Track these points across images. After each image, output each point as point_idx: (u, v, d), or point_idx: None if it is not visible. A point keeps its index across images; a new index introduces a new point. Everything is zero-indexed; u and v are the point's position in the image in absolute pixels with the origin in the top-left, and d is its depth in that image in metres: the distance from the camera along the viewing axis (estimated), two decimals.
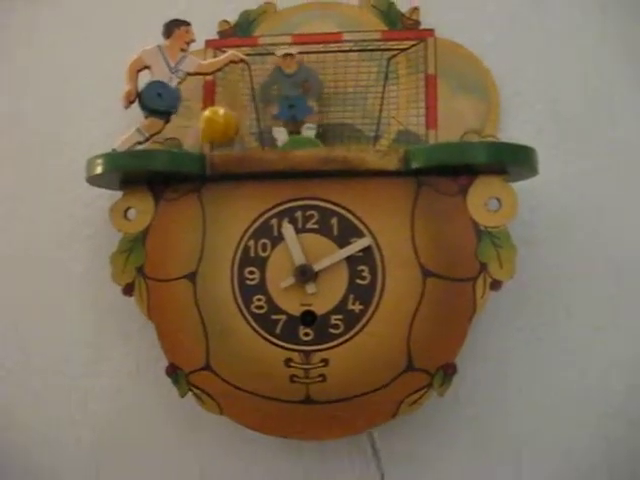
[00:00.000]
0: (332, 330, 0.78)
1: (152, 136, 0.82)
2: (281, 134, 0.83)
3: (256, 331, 0.79)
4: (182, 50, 0.82)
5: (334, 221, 0.79)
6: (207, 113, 0.81)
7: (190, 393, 0.80)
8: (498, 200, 0.77)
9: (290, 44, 0.86)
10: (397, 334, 0.77)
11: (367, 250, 0.78)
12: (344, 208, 0.79)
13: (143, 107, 0.82)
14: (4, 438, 0.92)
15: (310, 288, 0.78)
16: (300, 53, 0.85)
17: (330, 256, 0.78)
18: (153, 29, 0.83)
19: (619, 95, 0.88)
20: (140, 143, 0.82)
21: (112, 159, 0.79)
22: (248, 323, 0.79)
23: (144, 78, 0.82)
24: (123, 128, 0.83)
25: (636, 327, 0.86)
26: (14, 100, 0.97)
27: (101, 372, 0.92)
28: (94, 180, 0.81)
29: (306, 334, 0.78)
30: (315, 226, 0.79)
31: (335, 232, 0.78)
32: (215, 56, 0.87)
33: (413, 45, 0.86)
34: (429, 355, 0.77)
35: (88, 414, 0.91)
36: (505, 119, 0.87)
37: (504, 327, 0.86)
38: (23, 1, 0.98)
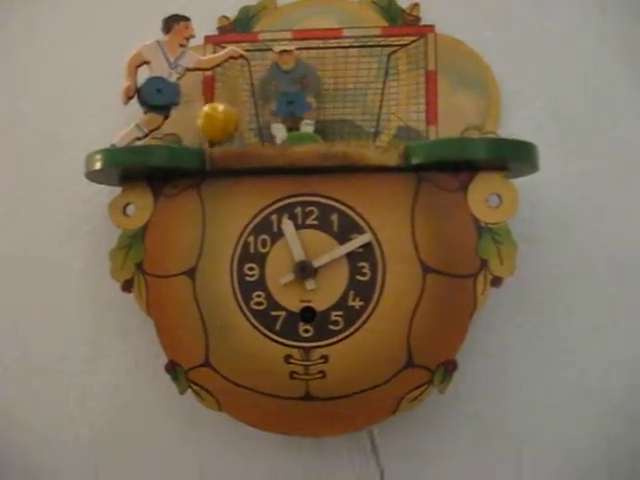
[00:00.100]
0: (332, 326, 0.78)
1: (151, 132, 0.82)
2: (279, 131, 0.83)
3: (256, 327, 0.78)
4: (181, 45, 0.82)
5: (334, 217, 0.78)
6: (206, 109, 0.81)
7: (189, 390, 0.80)
8: (499, 196, 0.77)
9: (290, 40, 0.86)
10: (397, 330, 0.77)
11: (367, 246, 0.78)
12: (344, 204, 0.78)
13: (142, 103, 0.82)
14: (2, 435, 0.92)
15: (310, 284, 0.78)
16: (300, 49, 0.84)
17: (330, 252, 0.78)
18: (153, 25, 0.83)
19: (619, 95, 0.88)
20: (139, 139, 0.82)
21: (111, 155, 0.78)
22: (248, 319, 0.79)
23: (143, 74, 0.82)
24: (122, 124, 0.83)
25: (636, 327, 0.86)
26: (14, 100, 0.97)
27: (100, 369, 0.91)
28: (93, 176, 0.81)
29: (306, 330, 0.78)
30: (315, 222, 0.79)
31: (335, 228, 0.78)
32: (214, 52, 0.86)
33: (413, 41, 0.86)
34: (429, 351, 0.77)
35: (87, 411, 0.91)
36: (505, 116, 0.87)
37: (504, 324, 0.86)
38: (23, 1, 0.98)
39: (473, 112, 0.85)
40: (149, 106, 0.81)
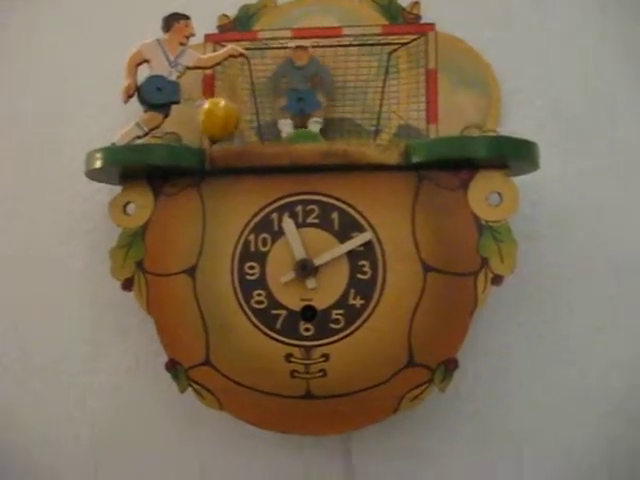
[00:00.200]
0: (333, 325, 0.78)
1: (151, 130, 0.82)
2: (287, 126, 0.83)
3: (256, 326, 0.78)
4: (181, 44, 0.82)
5: (335, 215, 0.78)
6: (207, 105, 0.81)
7: (190, 388, 0.80)
8: (499, 194, 0.77)
9: (290, 38, 0.86)
10: (398, 329, 0.77)
11: (368, 245, 0.78)
12: (345, 202, 0.78)
13: (142, 101, 0.82)
14: (2, 435, 0.92)
15: (310, 283, 0.78)
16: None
17: (331, 251, 0.78)
18: (153, 24, 0.83)
19: (619, 95, 0.89)
20: (139, 137, 0.82)
21: (111, 153, 0.78)
22: (248, 318, 0.79)
23: (144, 73, 0.82)
24: (122, 123, 0.83)
25: (636, 327, 0.86)
26: (14, 100, 0.97)
27: (100, 369, 0.91)
28: (93, 174, 0.81)
29: (306, 329, 0.78)
30: (316, 220, 0.78)
31: (336, 226, 0.78)
32: (214, 50, 0.86)
33: (414, 39, 0.86)
34: (430, 350, 0.77)
35: (87, 411, 0.91)
36: (506, 114, 0.87)
37: (505, 322, 0.86)
38: (23, 1, 0.98)
39: (473, 111, 0.85)
40: (149, 105, 0.81)
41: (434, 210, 0.77)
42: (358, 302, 0.77)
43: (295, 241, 0.78)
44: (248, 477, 0.88)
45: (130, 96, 0.81)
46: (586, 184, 0.87)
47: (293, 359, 0.78)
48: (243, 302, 0.79)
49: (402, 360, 0.77)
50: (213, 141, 0.82)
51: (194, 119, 0.82)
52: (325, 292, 0.78)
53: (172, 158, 0.78)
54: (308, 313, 0.78)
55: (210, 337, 0.79)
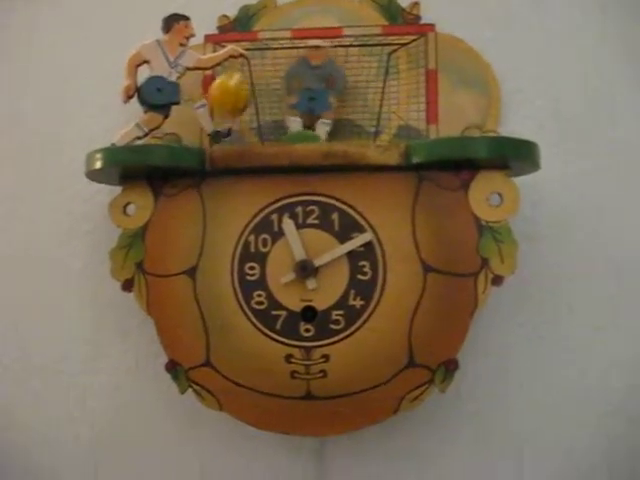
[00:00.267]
0: (333, 326, 0.78)
1: (151, 131, 0.82)
2: (295, 123, 0.82)
3: (256, 327, 0.78)
4: (181, 45, 0.82)
5: (335, 216, 0.78)
6: (220, 78, 0.81)
7: (190, 389, 0.80)
8: (500, 195, 0.77)
9: (290, 39, 0.86)
10: (398, 330, 0.77)
11: (368, 245, 0.78)
12: (345, 203, 0.78)
13: (142, 102, 0.81)
14: (2, 435, 0.92)
15: (311, 284, 0.78)
16: (298, 48, 0.84)
17: (331, 251, 0.78)
18: (152, 25, 0.83)
19: (619, 95, 0.88)
20: (139, 138, 0.82)
21: (111, 154, 0.78)
22: (248, 319, 0.79)
23: (144, 74, 0.82)
24: (122, 123, 0.83)
25: (636, 327, 0.86)
26: (14, 100, 0.97)
27: (100, 369, 0.91)
28: (93, 175, 0.81)
29: (307, 330, 0.78)
30: (316, 221, 0.78)
31: (336, 227, 0.78)
32: (214, 51, 0.86)
33: (414, 40, 0.85)
34: (430, 351, 0.77)
35: (87, 411, 0.91)
36: (506, 114, 0.87)
37: (505, 323, 0.86)
38: (23, 1, 0.98)
39: (474, 111, 0.85)
40: (149, 105, 0.81)
41: (434, 211, 0.77)
42: (358, 303, 0.77)
43: (295, 242, 0.78)
44: (248, 478, 0.88)
45: (130, 97, 0.81)
46: (586, 184, 0.87)
47: (293, 360, 0.78)
48: (243, 303, 0.79)
49: (402, 361, 0.77)
50: (227, 117, 0.81)
51: (194, 120, 0.83)
52: (325, 293, 0.78)
53: (172, 159, 0.78)
54: (308, 314, 0.78)
55: (210, 338, 0.79)
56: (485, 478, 0.85)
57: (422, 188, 0.78)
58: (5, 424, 0.92)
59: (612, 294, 0.86)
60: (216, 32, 0.89)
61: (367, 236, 0.77)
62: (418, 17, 0.87)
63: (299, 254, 0.78)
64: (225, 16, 0.90)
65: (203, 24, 0.87)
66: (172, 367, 0.80)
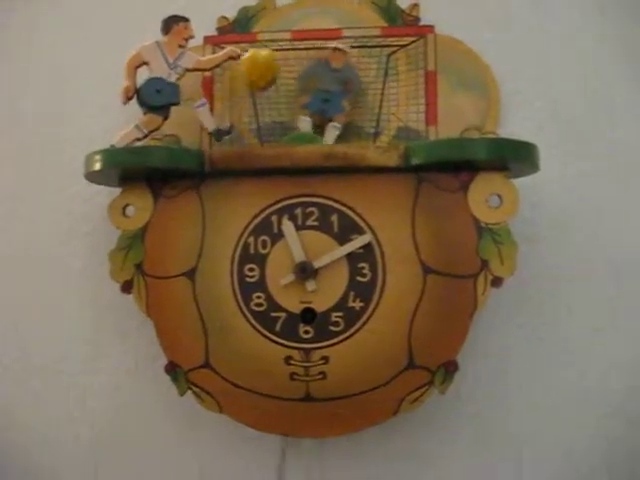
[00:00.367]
0: (332, 327, 0.78)
1: (151, 132, 0.82)
2: (305, 123, 0.82)
3: (256, 329, 0.78)
4: (181, 46, 0.82)
5: (334, 218, 0.78)
6: (249, 52, 0.82)
7: (189, 391, 0.80)
8: (499, 196, 0.77)
9: (289, 40, 0.86)
10: (398, 331, 0.77)
11: (367, 247, 0.78)
12: (344, 205, 0.78)
13: (141, 103, 0.81)
14: (2, 435, 0.92)
15: (310, 285, 0.78)
16: (298, 50, 0.84)
17: (330, 253, 0.78)
18: (152, 25, 0.82)
19: (619, 96, 0.88)
20: (139, 139, 0.82)
21: (110, 155, 0.78)
22: (248, 320, 0.79)
23: (143, 75, 0.82)
24: (122, 125, 0.83)
25: (635, 328, 0.86)
26: (14, 100, 0.96)
27: (99, 369, 0.91)
28: (93, 176, 0.81)
29: (306, 332, 0.78)
30: (315, 223, 0.78)
31: (335, 229, 0.78)
32: (214, 52, 0.86)
33: (413, 41, 0.85)
34: (430, 352, 0.77)
35: (86, 412, 0.91)
36: (505, 116, 0.87)
37: (505, 324, 0.86)
38: (23, 1, 0.98)
39: (473, 112, 0.85)
40: (148, 107, 0.81)
41: (434, 212, 0.77)
42: (358, 304, 0.77)
43: (295, 243, 0.78)
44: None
45: (129, 98, 0.81)
46: (586, 186, 0.87)
47: (293, 362, 0.78)
48: (242, 304, 0.79)
49: (402, 362, 0.77)
50: (254, 88, 0.82)
51: (194, 121, 0.83)
52: (325, 294, 0.78)
53: (171, 160, 0.78)
54: (308, 315, 0.78)
55: (209, 340, 0.79)
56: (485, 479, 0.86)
57: (421, 189, 0.78)
58: (5, 424, 0.92)
59: (611, 296, 0.86)
60: (215, 33, 0.89)
61: (366, 238, 0.77)
62: (417, 19, 0.87)
63: (298, 256, 0.78)
64: (224, 17, 0.89)
65: (202, 25, 0.86)
66: (171, 369, 0.80)
